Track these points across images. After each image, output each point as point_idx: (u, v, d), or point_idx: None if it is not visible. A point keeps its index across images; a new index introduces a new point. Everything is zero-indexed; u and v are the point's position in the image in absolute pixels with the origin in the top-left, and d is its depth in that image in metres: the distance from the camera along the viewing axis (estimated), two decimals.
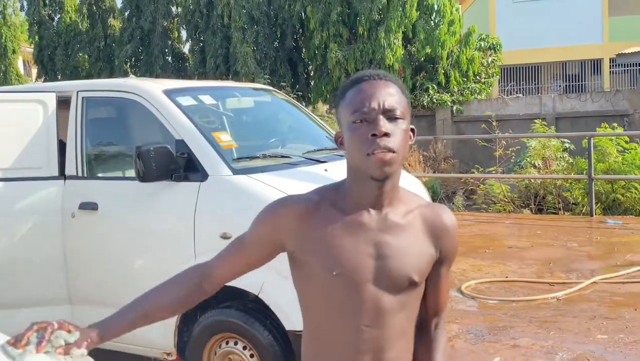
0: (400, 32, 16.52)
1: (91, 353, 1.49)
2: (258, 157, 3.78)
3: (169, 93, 3.76)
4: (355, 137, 1.36)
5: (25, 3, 21.70)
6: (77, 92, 3.98)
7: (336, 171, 3.81)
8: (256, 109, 4.46)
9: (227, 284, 3.51)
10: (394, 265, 1.41)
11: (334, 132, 4.93)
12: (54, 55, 21.51)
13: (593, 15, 20.75)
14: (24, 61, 27.33)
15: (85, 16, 21.42)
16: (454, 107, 17.58)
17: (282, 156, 3.89)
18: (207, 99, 4.01)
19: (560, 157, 11.28)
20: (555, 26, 20.67)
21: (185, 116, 3.62)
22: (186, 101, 3.78)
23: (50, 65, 21.62)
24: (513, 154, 11.56)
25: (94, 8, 21.44)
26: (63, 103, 4.04)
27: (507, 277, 6.00)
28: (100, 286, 3.83)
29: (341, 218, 1.43)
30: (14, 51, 23.06)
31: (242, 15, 17.66)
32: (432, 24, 16.99)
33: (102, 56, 21.21)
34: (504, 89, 20.37)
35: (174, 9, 20.65)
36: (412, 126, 1.47)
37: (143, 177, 3.42)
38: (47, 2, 21.68)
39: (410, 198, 1.51)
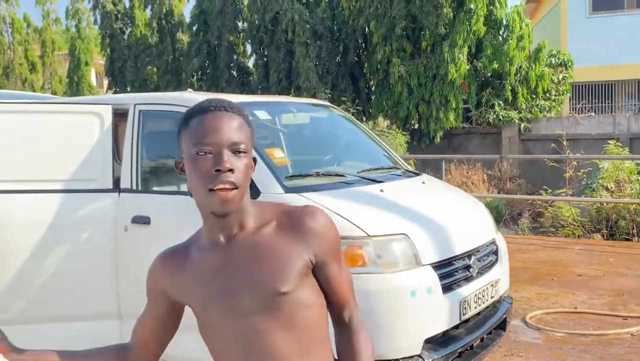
0: (466, 46, 16.16)
1: None
2: (311, 175, 3.63)
3: None
4: (198, 170, 1.35)
5: (98, 17, 22.49)
6: (135, 105, 3.95)
7: (393, 191, 3.64)
8: (312, 125, 4.33)
9: None
10: (250, 284, 1.39)
11: (392, 151, 4.75)
12: (124, 67, 22.18)
13: None
14: (96, 73, 28.33)
15: (155, 30, 22.00)
16: (522, 125, 17.04)
17: (336, 175, 3.73)
18: (262, 115, 3.90)
19: (635, 180, 10.68)
20: (631, 42, 19.79)
21: None
22: None
23: (121, 77, 22.30)
24: (584, 175, 11.03)
25: (164, 22, 21.99)
26: (119, 116, 4.02)
27: (576, 308, 5.63)
28: None
29: (200, 256, 1.45)
30: (86, 63, 23.90)
31: (305, 30, 17.71)
32: (500, 39, 16.57)
33: (170, 69, 21.70)
34: (575, 107, 19.61)
35: (240, 24, 20.95)
36: (255, 156, 1.45)
37: None
38: (119, 16, 22.41)
39: (267, 210, 1.48)
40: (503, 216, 13.24)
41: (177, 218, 3.67)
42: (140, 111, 3.92)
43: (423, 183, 4.09)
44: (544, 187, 11.73)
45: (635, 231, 9.64)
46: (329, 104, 4.97)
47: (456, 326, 3.41)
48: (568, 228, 10.12)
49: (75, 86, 23.67)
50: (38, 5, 23.94)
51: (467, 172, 14.87)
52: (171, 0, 21.75)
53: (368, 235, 3.09)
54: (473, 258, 3.55)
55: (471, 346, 3.50)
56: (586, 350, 4.66)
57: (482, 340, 3.64)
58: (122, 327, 3.85)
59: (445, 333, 3.31)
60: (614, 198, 10.11)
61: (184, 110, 3.74)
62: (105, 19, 22.26)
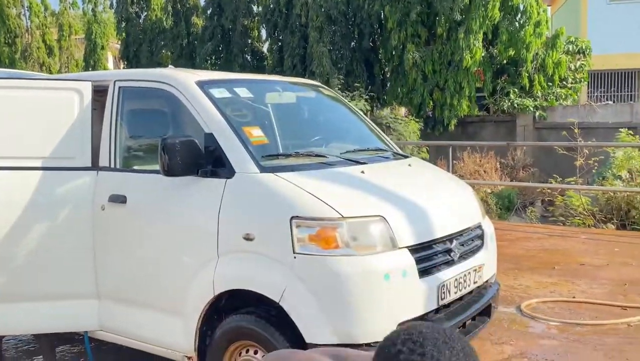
0: (482, 33, 15.90)
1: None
2: (291, 155, 3.53)
3: (203, 84, 3.58)
4: None
5: (114, 1, 22.50)
6: (115, 81, 3.88)
7: (374, 173, 3.53)
8: (298, 105, 4.23)
9: (248, 288, 3.26)
10: None
11: (384, 134, 4.62)
12: (139, 51, 22.20)
13: None
14: (113, 57, 28.40)
15: (170, 14, 21.98)
16: (537, 113, 16.76)
17: (317, 155, 3.62)
18: (243, 92, 3.80)
19: None
20: None
21: (216, 109, 3.43)
22: (220, 93, 3.59)
23: (136, 61, 22.32)
24: (596, 164, 10.80)
25: (179, 6, 21.95)
26: (99, 93, 3.95)
27: (574, 297, 5.48)
28: (126, 282, 3.70)
29: None
30: (102, 47, 23.97)
31: (319, 15, 17.54)
32: (517, 25, 16.27)
33: (184, 53, 21.67)
34: (593, 96, 19.24)
35: (254, 7, 20.82)
36: None
37: (168, 171, 3.26)
38: (134, 0, 22.39)
39: None
40: (515, 205, 13.06)
41: (151, 197, 3.61)
42: (120, 87, 3.84)
43: (409, 165, 3.98)
44: (554, 175, 11.52)
45: None
46: (317, 83, 4.85)
47: (436, 311, 3.31)
48: (578, 218, 9.92)
49: (91, 70, 23.75)
50: None
51: (480, 161, 14.67)
52: None
53: (342, 217, 2.99)
54: (455, 241, 3.44)
55: None
56: (580, 339, 4.53)
57: (464, 326, 3.53)
58: (100, 307, 3.81)
59: (422, 318, 3.21)
60: (625, 187, 9.88)
61: (162, 86, 3.68)
62: (120, 3, 22.29)
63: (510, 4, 16.21)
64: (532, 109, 16.58)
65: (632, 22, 19.52)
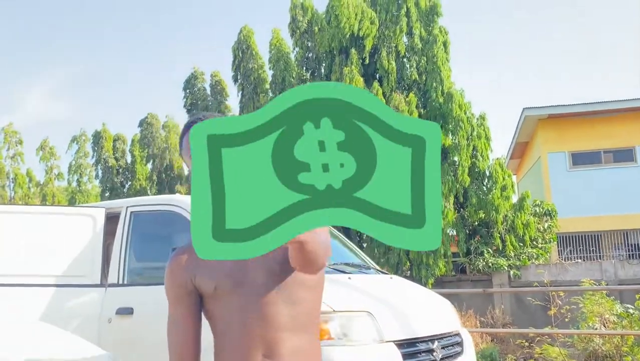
0: (452, 196, 16.88)
1: None
2: None
3: None
4: None
5: (100, 171, 23.51)
6: (127, 207, 4.34)
7: (360, 281, 3.91)
8: None
9: None
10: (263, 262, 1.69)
11: (363, 254, 5.04)
12: None
13: None
14: None
15: (155, 183, 22.93)
16: (511, 272, 17.29)
17: None
18: None
19: (623, 322, 10.78)
20: (613, 194, 20.68)
21: None
22: None
23: None
24: (569, 313, 11.14)
25: (163, 176, 22.98)
26: (111, 219, 4.39)
27: None
28: None
29: None
30: None
31: None
32: (485, 189, 17.36)
33: None
34: (563, 255, 19.99)
35: None
36: None
37: None
38: (120, 170, 23.46)
39: None
40: None
41: (158, 306, 3.89)
42: (131, 213, 4.30)
43: (391, 278, 4.37)
44: (530, 327, 11.78)
45: None
46: None
47: None
48: None
49: None
50: (42, 161, 25.07)
51: (461, 319, 14.88)
52: (172, 156, 22.91)
53: (333, 310, 3.33)
54: (437, 342, 3.73)
55: None
56: None
57: None
58: None
59: None
60: (600, 337, 10.15)
61: (170, 208, 4.15)
62: (106, 172, 23.29)
63: (477, 170, 17.42)
64: (506, 268, 17.13)
65: (591, 187, 20.90)
